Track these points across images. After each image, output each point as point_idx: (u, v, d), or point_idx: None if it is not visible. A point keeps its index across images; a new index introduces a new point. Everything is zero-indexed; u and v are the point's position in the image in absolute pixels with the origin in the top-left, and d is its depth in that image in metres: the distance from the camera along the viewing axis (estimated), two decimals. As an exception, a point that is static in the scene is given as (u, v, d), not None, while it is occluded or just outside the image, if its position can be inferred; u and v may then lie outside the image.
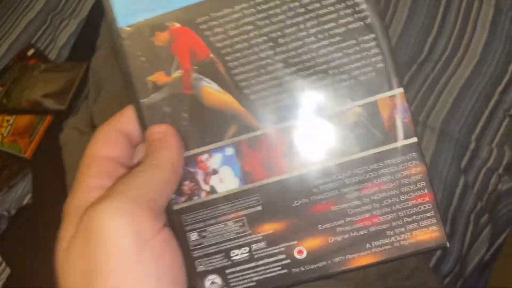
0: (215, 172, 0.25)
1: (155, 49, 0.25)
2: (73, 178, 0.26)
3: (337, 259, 0.25)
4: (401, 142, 0.25)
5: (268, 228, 0.25)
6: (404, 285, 0.57)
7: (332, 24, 0.24)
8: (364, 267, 0.25)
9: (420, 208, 0.24)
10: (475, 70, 0.71)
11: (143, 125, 0.25)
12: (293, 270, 0.25)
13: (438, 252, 0.63)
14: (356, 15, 0.24)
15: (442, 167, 0.66)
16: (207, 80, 0.25)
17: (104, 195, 0.22)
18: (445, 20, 0.75)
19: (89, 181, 0.23)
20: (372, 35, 0.24)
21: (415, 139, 0.24)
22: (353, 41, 0.24)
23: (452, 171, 0.66)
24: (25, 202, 0.81)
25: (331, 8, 0.24)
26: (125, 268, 0.20)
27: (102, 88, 0.71)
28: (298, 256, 0.25)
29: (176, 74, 0.25)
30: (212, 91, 0.25)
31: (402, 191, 0.25)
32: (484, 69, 0.71)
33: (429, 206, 0.24)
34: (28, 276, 0.70)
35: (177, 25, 0.25)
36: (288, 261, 0.25)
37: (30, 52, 0.94)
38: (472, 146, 0.68)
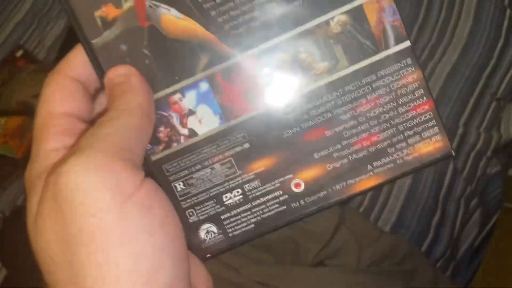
0: (191, 112, 0.23)
1: None
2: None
3: (338, 187, 0.23)
4: (393, 49, 0.22)
5: (259, 165, 0.23)
6: (396, 270, 0.57)
7: None
8: (368, 191, 0.23)
9: (420, 119, 0.22)
10: (461, 56, 0.71)
11: (100, 70, 0.22)
12: (293, 205, 0.23)
13: (430, 237, 0.63)
14: None
15: None
16: (165, 6, 0.22)
17: (69, 152, 0.19)
18: (430, 7, 0.74)
19: (48, 144, 0.20)
20: None
21: (408, 43, 0.22)
22: None
23: None
24: (19, 202, 0.79)
25: None
26: (109, 228, 0.18)
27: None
28: (296, 190, 0.23)
29: (128, 4, 0.22)
30: (172, 19, 0.22)
31: (400, 102, 0.22)
32: (470, 55, 0.71)
33: (430, 115, 0.22)
34: (25, 277, 0.69)
35: None
36: (286, 196, 0.23)
37: (19, 53, 0.92)
38: (460, 131, 0.68)
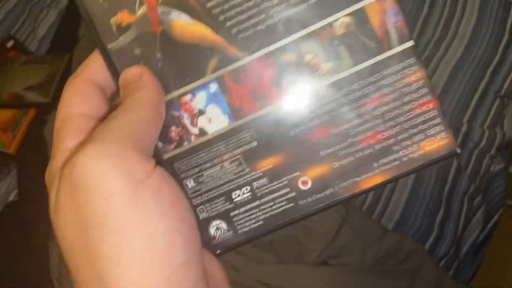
0: (201, 112, 0.23)
1: None
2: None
3: (344, 184, 0.23)
4: (396, 49, 0.22)
5: (267, 163, 0.23)
6: (400, 269, 0.58)
7: None
8: (374, 188, 0.23)
9: (425, 117, 0.23)
10: (465, 52, 0.70)
11: (115, 73, 0.23)
12: (300, 202, 0.24)
13: (434, 235, 0.64)
14: None
15: None
16: (176, 12, 0.22)
17: (83, 143, 0.20)
18: (434, 2, 0.73)
19: (66, 143, 0.21)
20: None
21: (411, 43, 0.22)
22: None
23: None
24: (11, 198, 0.79)
25: None
26: (122, 210, 0.18)
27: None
28: (303, 187, 0.23)
29: (141, 11, 0.23)
30: (183, 24, 0.23)
31: (404, 101, 0.23)
32: (474, 51, 0.71)
33: (434, 113, 0.23)
34: (17, 273, 0.69)
35: (132, -45, 0.22)
36: (294, 193, 0.24)
37: (10, 44, 0.90)
38: (464, 128, 0.68)
